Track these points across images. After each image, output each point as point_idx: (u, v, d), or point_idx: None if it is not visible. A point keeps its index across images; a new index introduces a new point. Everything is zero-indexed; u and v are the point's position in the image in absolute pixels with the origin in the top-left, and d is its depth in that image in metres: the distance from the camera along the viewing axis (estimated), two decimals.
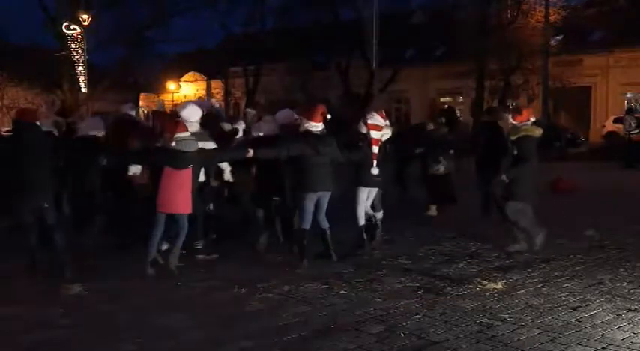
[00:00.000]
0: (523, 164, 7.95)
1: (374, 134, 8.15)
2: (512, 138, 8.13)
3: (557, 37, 31.43)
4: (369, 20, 27.91)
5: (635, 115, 21.28)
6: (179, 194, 6.96)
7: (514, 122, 8.14)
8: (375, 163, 8.07)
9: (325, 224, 7.68)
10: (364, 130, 8.21)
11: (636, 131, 19.93)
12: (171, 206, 6.98)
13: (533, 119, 8.33)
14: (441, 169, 10.62)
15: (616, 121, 29.01)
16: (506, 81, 31.97)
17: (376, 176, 8.13)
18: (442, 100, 38.68)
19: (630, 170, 18.28)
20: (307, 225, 7.48)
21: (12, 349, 5.08)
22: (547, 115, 26.12)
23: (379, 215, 8.59)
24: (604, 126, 32.03)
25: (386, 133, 8.45)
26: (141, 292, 6.49)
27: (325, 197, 7.58)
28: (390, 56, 31.88)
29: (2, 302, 6.16)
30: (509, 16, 31.72)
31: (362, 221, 8.17)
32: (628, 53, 33.39)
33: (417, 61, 38.24)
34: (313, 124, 7.51)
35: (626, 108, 25.29)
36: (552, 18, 28.30)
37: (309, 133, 7.48)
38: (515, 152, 8.08)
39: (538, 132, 8.14)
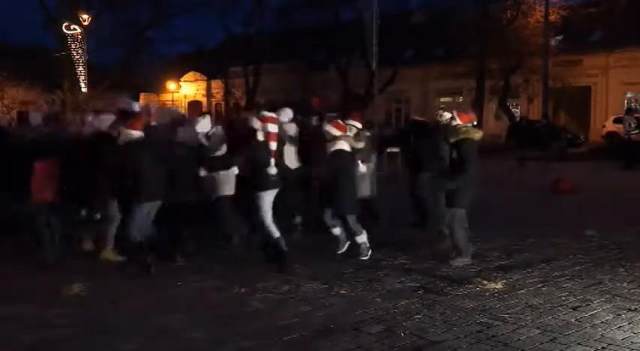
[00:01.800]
0: (466, 169, 7.41)
1: (271, 128, 7.42)
2: (452, 140, 7.66)
3: (557, 37, 31.47)
4: (369, 20, 27.88)
5: (635, 115, 21.27)
6: None
7: (458, 122, 7.62)
8: (272, 161, 7.36)
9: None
10: (256, 125, 7.41)
11: (636, 131, 19.92)
12: None
13: (475, 122, 7.93)
14: None
15: (616, 121, 28.99)
16: (506, 81, 31.98)
17: (274, 176, 7.37)
18: (442, 100, 38.69)
19: (630, 170, 18.27)
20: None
21: (12, 349, 5.08)
22: (547, 115, 26.10)
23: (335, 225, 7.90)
24: (604, 126, 32.02)
25: (358, 144, 8.08)
26: (141, 292, 6.49)
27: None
28: (390, 56, 31.83)
29: (3, 302, 6.17)
30: (508, 16, 31.73)
31: (275, 233, 7.40)
32: (628, 53, 33.40)
33: (417, 62, 38.26)
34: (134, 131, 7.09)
35: (626, 108, 25.30)
36: (552, 18, 28.31)
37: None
38: (454, 155, 7.60)
39: (478, 135, 7.69)
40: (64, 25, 28.50)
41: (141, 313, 5.84)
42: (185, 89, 50.35)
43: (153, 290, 6.57)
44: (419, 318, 5.63)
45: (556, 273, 7.07)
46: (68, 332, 5.40)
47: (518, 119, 30.83)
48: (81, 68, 28.86)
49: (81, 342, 5.20)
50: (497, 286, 6.54)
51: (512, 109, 33.65)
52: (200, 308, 6.01)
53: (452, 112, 7.92)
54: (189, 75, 50.20)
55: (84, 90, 29.35)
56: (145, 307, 6.05)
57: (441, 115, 8.53)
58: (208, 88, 48.94)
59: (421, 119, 10.10)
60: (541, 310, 5.77)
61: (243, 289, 6.55)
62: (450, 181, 7.60)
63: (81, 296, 6.39)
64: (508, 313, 5.69)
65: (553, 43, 29.95)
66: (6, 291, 6.57)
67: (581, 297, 6.17)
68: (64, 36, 28.66)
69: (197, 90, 50.55)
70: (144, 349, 5.06)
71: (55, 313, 5.87)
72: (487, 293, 6.34)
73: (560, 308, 5.83)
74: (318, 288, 6.60)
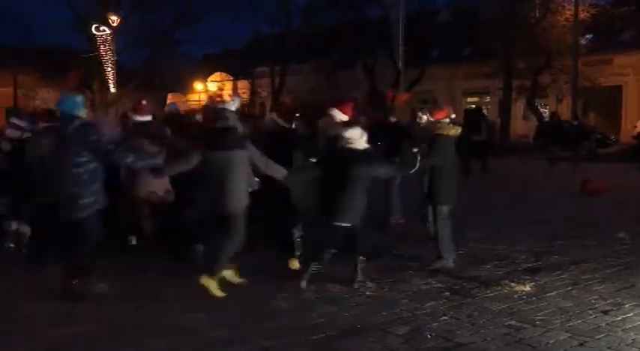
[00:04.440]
0: (426, 160, 7.29)
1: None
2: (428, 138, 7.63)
3: (587, 36, 31.04)
4: (395, 19, 27.83)
5: None
6: None
7: (431, 119, 7.63)
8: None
9: None
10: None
11: None
12: None
13: (452, 116, 7.84)
14: None
15: None
16: (534, 81, 31.63)
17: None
18: (469, 100, 38.42)
19: None
20: None
21: (36, 344, 5.14)
22: (576, 115, 25.76)
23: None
24: (635, 126, 31.49)
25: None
26: (166, 290, 6.50)
27: None
28: (416, 55, 31.72)
29: (31, 297, 6.24)
30: (537, 14, 31.36)
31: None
32: None
33: (444, 61, 38.01)
34: None
35: None
36: (581, 16, 27.94)
37: None
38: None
39: (454, 131, 7.60)
40: (93, 26, 28.83)
41: (167, 311, 5.87)
42: (212, 89, 50.61)
43: (178, 288, 6.55)
44: (445, 320, 5.59)
45: (586, 276, 6.96)
46: (95, 329, 5.45)
47: (547, 118, 30.51)
48: (110, 69, 29.18)
49: (107, 339, 5.24)
50: (525, 289, 6.46)
51: (541, 109, 33.27)
52: (226, 306, 6.01)
53: (426, 113, 7.95)
54: (216, 75, 50.45)
55: (113, 90, 29.67)
56: (171, 304, 6.08)
57: (420, 117, 8.48)
58: (234, 88, 49.13)
59: (393, 120, 10.12)
60: (570, 314, 5.68)
61: (268, 289, 6.54)
62: (407, 167, 7.46)
63: (108, 294, 6.42)
64: (537, 316, 5.62)
65: (583, 41, 29.54)
66: (36, 287, 6.61)
67: (612, 300, 6.06)
68: (94, 37, 29.00)
69: (224, 90, 50.80)
70: (169, 345, 5.08)
71: (84, 310, 5.92)
72: (515, 296, 6.27)
73: (590, 312, 5.74)
74: (343, 288, 6.58)
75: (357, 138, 6.67)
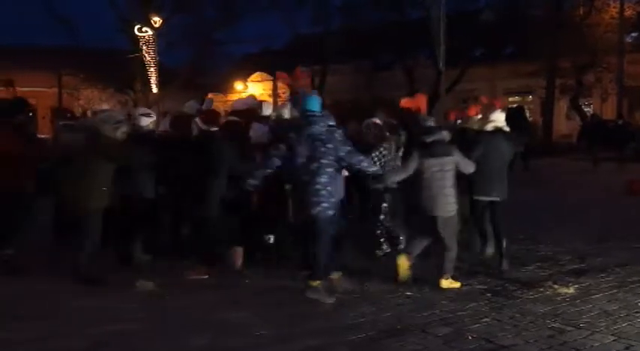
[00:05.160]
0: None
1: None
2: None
3: (633, 34, 30.39)
4: (436, 19, 27.61)
5: None
6: None
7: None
8: None
9: None
10: None
11: None
12: None
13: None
14: None
15: None
16: (578, 80, 31.10)
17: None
18: (510, 99, 37.93)
19: None
20: None
21: (85, 339, 5.22)
22: (621, 114, 25.25)
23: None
24: None
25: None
26: (212, 289, 6.58)
27: None
28: (457, 55, 31.44)
29: (84, 294, 6.36)
30: (581, 12, 30.84)
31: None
32: None
33: (485, 60, 37.57)
34: None
35: None
36: (627, 14, 27.39)
37: None
38: None
39: (479, 126, 7.70)
40: (136, 27, 29.24)
41: (211, 309, 5.93)
42: (252, 89, 50.87)
43: (223, 287, 6.64)
44: (487, 321, 5.54)
45: (632, 278, 6.83)
46: (140, 325, 5.53)
47: (589, 118, 30.03)
48: (152, 69, 29.54)
49: (152, 336, 5.31)
50: (569, 291, 6.37)
51: (585, 109, 32.69)
52: (268, 306, 6.05)
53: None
54: (256, 75, 50.69)
55: (155, 90, 30.05)
56: (216, 303, 6.14)
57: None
58: (274, 88, 49.35)
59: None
60: (616, 317, 5.58)
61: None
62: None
63: (156, 292, 6.51)
64: (581, 319, 5.53)
65: (628, 39, 28.94)
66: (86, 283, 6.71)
67: None
68: (136, 38, 29.41)
69: (263, 90, 51.03)
70: (213, 344, 5.13)
71: (131, 307, 6.01)
72: (559, 298, 6.18)
73: (636, 314, 5.63)
74: (384, 288, 6.57)
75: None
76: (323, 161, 6.20)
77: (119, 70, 30.79)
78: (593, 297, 6.18)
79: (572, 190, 14.18)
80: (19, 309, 6.00)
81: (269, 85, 50.42)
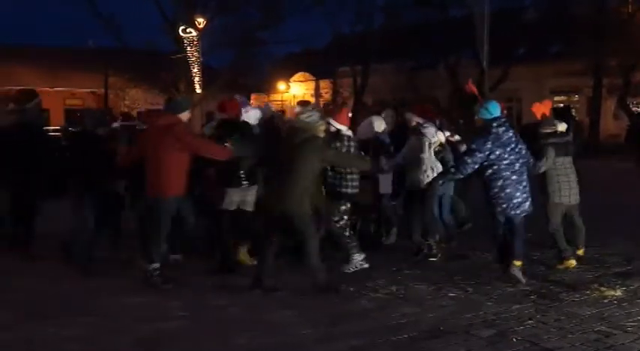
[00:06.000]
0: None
1: None
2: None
3: None
4: (479, 18, 27.33)
5: None
6: None
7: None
8: None
9: None
10: None
11: None
12: None
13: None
14: None
15: None
16: (626, 79, 30.45)
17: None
18: (556, 98, 37.34)
19: None
20: None
21: (130, 337, 5.32)
22: None
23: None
24: None
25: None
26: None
27: None
28: (500, 54, 31.08)
29: (131, 292, 6.49)
30: (629, 9, 30.20)
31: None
32: None
33: (530, 59, 37.06)
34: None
35: None
36: None
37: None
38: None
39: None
40: (180, 28, 29.60)
41: (252, 309, 6.00)
42: (294, 89, 51.10)
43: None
44: (532, 324, 5.48)
45: None
46: (183, 324, 5.62)
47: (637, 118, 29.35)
48: (196, 70, 29.89)
49: (192, 335, 5.38)
50: (616, 294, 6.26)
51: (633, 108, 31.98)
52: (309, 305, 6.08)
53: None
54: (299, 75, 50.88)
55: (198, 91, 30.38)
56: (257, 303, 6.20)
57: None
58: (317, 88, 49.42)
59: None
60: None
61: (351, 288, 6.59)
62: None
63: (199, 290, 6.60)
64: (628, 322, 5.43)
65: None
66: (136, 281, 6.84)
67: None
68: (180, 39, 29.77)
69: (306, 90, 51.18)
70: (253, 343, 5.18)
71: (173, 305, 6.12)
72: (605, 300, 6.08)
73: None
74: (426, 289, 6.56)
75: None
76: (522, 161, 6.78)
77: (163, 70, 31.20)
78: None
79: (618, 190, 13.89)
80: (69, 305, 6.16)
81: (311, 85, 50.57)
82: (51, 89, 35.94)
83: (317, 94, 48.10)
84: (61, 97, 38.51)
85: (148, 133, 7.16)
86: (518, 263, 6.65)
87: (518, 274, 6.65)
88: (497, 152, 6.58)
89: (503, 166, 6.61)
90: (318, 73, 47.66)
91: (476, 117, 7.20)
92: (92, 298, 6.41)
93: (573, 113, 21.03)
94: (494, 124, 6.65)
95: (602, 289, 6.43)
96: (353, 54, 39.25)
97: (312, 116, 6.58)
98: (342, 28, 41.52)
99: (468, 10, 31.16)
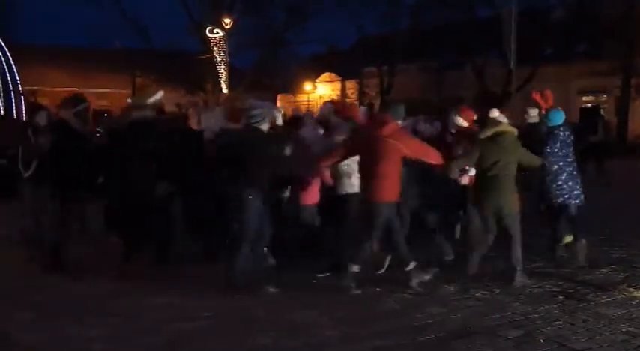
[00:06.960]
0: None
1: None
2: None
3: None
4: (507, 18, 27.19)
5: None
6: None
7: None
8: None
9: None
10: None
11: None
12: None
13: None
14: None
15: None
16: None
17: None
18: (584, 98, 36.96)
19: None
20: None
21: (155, 337, 5.35)
22: None
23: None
24: None
25: None
26: (278, 288, 6.62)
27: None
28: (527, 54, 30.85)
29: (156, 293, 6.53)
30: None
31: None
32: None
33: (557, 59, 36.73)
34: None
35: None
36: None
37: None
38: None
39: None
40: (207, 29, 29.81)
41: (277, 308, 6.02)
42: (320, 90, 51.15)
43: (289, 286, 6.66)
44: (559, 324, 5.45)
45: None
46: (208, 324, 5.65)
47: None
48: (222, 70, 30.10)
49: (216, 335, 5.39)
50: None
51: None
52: (335, 306, 6.09)
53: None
54: (325, 75, 50.92)
55: (225, 91, 30.57)
56: (282, 302, 6.23)
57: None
58: (343, 89, 49.44)
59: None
60: None
61: (377, 289, 6.60)
62: None
63: (222, 290, 6.64)
64: None
65: None
66: (161, 282, 6.90)
67: None
68: (207, 39, 29.99)
69: (332, 90, 51.22)
70: (278, 343, 5.19)
71: (198, 304, 6.15)
72: (633, 301, 6.03)
73: None
74: (453, 290, 6.55)
75: None
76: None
77: (190, 71, 31.43)
78: None
79: None
80: (94, 306, 6.19)
81: (337, 85, 50.58)
82: (79, 90, 36.39)
83: (343, 94, 48.09)
84: (91, 97, 38.87)
85: (366, 138, 6.85)
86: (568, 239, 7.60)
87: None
88: (564, 151, 7.50)
89: (566, 163, 7.49)
90: (343, 74, 47.69)
91: (543, 125, 7.78)
92: (113, 298, 6.44)
93: (602, 113, 20.94)
94: (561, 129, 7.52)
95: (631, 289, 6.38)
96: (378, 54, 39.22)
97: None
98: (366, 28, 41.52)
99: (494, 11, 31.01)
